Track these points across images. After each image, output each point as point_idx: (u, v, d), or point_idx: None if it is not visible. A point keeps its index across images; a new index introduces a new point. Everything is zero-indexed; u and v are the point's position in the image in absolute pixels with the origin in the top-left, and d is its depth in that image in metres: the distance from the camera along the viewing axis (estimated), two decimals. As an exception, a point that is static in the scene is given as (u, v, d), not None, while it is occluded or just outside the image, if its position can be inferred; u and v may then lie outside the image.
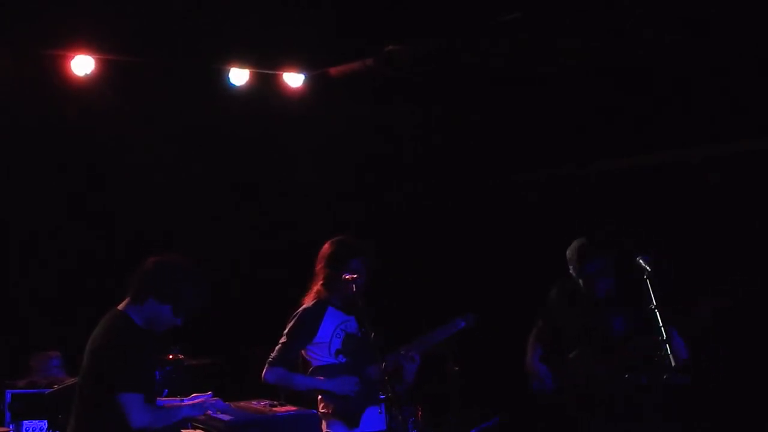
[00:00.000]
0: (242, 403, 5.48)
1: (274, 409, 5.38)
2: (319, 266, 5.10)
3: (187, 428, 5.37)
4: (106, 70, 6.97)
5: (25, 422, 5.84)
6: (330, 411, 4.98)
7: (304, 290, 5.18)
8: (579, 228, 7.59)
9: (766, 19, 5.91)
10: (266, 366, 4.97)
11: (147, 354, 4.24)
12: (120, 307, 4.29)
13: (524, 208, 8.38)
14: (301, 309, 5.06)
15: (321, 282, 5.07)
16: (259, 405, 5.46)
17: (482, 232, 8.56)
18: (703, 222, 6.93)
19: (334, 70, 7.66)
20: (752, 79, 6.45)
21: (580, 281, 5.31)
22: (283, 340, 5.01)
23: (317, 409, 5.11)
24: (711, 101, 6.73)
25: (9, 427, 5.83)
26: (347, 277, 4.90)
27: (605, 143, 7.54)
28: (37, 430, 5.85)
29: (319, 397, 5.05)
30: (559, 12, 6.27)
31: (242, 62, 7.43)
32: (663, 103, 7.00)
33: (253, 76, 7.55)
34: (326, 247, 5.11)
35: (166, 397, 5.53)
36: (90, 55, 6.84)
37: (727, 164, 6.92)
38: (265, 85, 7.71)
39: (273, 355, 4.98)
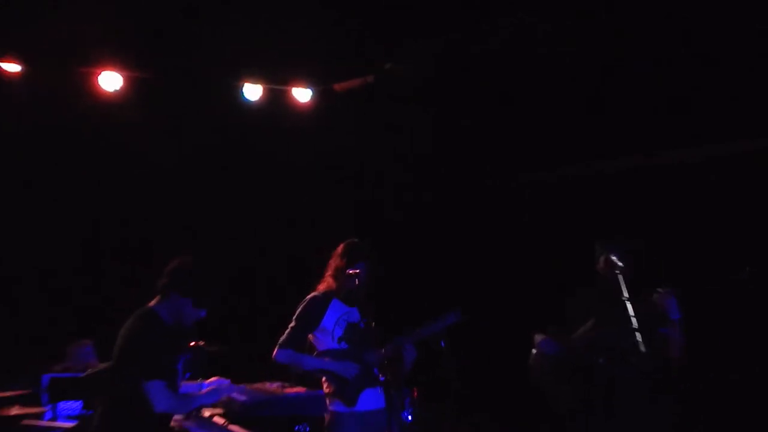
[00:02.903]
0: (257, 385, 5.87)
1: (286, 390, 5.81)
2: (331, 260, 5.63)
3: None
4: (131, 86, 7.41)
5: (61, 403, 6.29)
6: (331, 391, 5.46)
7: (310, 288, 5.66)
8: (578, 228, 7.49)
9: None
10: (276, 347, 5.44)
11: (170, 346, 4.58)
12: (149, 304, 4.66)
13: (523, 208, 8.59)
14: (309, 296, 5.56)
15: (330, 273, 5.60)
16: (272, 386, 5.89)
17: (482, 232, 8.78)
18: (703, 222, 7.02)
19: (338, 86, 8.02)
20: (753, 79, 6.52)
21: (610, 272, 5.15)
22: (292, 324, 5.51)
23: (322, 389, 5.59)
24: (711, 101, 6.78)
25: (46, 407, 6.27)
26: (351, 271, 5.43)
27: (605, 143, 7.65)
28: (71, 410, 6.31)
29: (323, 378, 5.52)
30: (559, 13, 6.43)
31: (255, 78, 7.83)
32: (663, 103, 7.05)
33: (265, 91, 7.96)
34: (340, 246, 5.62)
35: (188, 379, 5.95)
36: (117, 72, 7.30)
37: (727, 164, 6.99)
38: (275, 100, 8.09)
39: (283, 337, 5.46)
